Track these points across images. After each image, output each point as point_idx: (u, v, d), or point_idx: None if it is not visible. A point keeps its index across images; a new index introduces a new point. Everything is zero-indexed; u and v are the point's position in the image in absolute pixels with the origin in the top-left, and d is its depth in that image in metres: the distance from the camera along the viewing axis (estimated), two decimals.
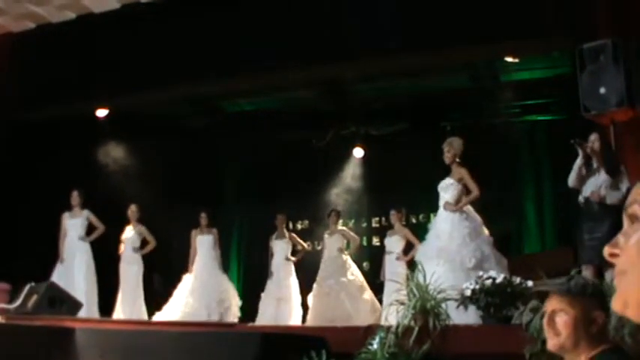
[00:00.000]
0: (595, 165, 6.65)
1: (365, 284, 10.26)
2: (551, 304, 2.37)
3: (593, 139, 6.73)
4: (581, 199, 6.68)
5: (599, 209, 6.47)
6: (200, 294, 10.19)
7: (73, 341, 5.41)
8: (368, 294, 10.10)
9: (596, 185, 6.54)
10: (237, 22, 9.52)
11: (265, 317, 10.37)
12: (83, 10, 10.01)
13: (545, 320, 2.37)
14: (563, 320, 2.30)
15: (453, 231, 7.00)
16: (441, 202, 7.31)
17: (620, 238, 1.15)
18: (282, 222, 11.01)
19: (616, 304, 1.13)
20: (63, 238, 9.93)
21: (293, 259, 10.86)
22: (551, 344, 2.33)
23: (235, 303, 10.46)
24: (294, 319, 10.38)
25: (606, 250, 1.16)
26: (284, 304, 10.54)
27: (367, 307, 9.85)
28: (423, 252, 7.07)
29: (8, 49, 10.62)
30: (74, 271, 9.67)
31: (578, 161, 6.69)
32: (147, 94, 10.65)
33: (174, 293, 10.31)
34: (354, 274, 10.32)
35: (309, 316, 10.21)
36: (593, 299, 2.29)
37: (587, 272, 6.01)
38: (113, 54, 9.98)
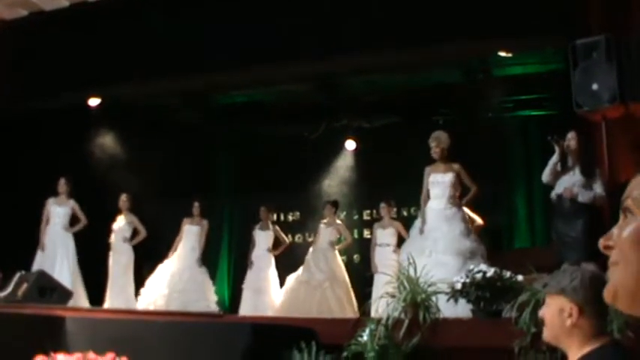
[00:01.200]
0: (570, 163, 6.74)
1: (349, 285, 10.24)
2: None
3: (570, 137, 6.82)
4: (553, 195, 6.77)
5: (570, 207, 6.58)
6: (169, 282, 10.10)
7: (63, 330, 5.41)
8: (350, 297, 10.08)
9: (570, 183, 6.63)
10: (229, 13, 9.48)
11: (245, 308, 10.36)
12: None
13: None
14: (544, 313, 2.41)
15: (467, 228, 7.07)
16: (434, 194, 7.34)
17: (614, 230, 1.18)
18: (265, 213, 10.97)
19: (607, 295, 1.16)
20: (45, 224, 9.87)
21: (274, 252, 10.84)
22: (543, 335, 2.45)
23: (209, 297, 10.36)
24: (273, 311, 10.32)
25: (601, 243, 1.19)
26: (262, 296, 10.50)
27: (345, 310, 9.80)
28: (440, 247, 6.99)
29: (0, 36, 10.56)
30: (57, 261, 9.61)
31: (554, 158, 6.80)
32: (139, 85, 10.60)
33: (148, 280, 10.20)
34: (342, 274, 10.30)
35: (283, 297, 10.16)
36: (573, 293, 2.33)
37: None
38: (106, 43, 9.93)
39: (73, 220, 10.01)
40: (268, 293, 10.56)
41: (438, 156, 7.41)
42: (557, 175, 6.75)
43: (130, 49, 9.86)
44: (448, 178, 7.33)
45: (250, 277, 10.71)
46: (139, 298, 10.07)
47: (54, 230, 9.85)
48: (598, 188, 6.57)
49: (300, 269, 10.30)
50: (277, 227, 11.12)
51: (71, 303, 8.33)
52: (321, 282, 10.07)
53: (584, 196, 6.54)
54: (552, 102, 11.04)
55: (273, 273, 10.72)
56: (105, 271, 10.21)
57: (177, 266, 10.26)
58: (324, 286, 10.04)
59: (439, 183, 7.36)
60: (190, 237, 10.45)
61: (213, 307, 10.21)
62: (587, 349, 2.27)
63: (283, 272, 10.75)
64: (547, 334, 2.40)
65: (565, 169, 6.75)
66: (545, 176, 6.84)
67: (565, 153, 6.79)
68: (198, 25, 9.58)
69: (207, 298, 10.28)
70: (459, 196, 7.45)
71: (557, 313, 2.35)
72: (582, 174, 6.62)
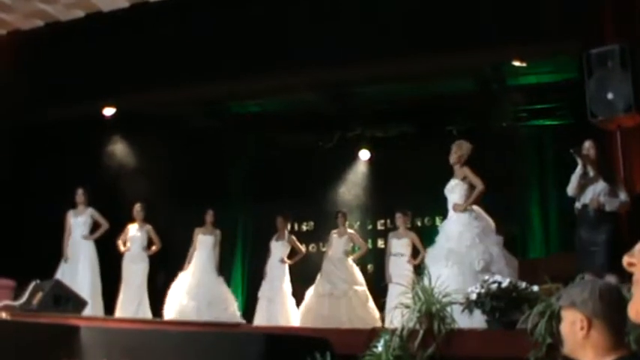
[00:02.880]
0: (592, 173, 6.66)
1: (367, 292, 10.24)
2: None
3: (588, 146, 6.74)
4: (578, 205, 6.69)
5: (595, 216, 6.52)
6: (194, 294, 10.14)
7: (78, 339, 5.41)
8: (371, 302, 10.09)
9: (594, 192, 6.56)
10: (243, 23, 9.53)
11: (258, 317, 10.37)
12: (92, 9, 10.05)
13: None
14: (561, 326, 2.40)
15: (464, 232, 6.89)
16: (449, 205, 7.25)
17: (636, 247, 1.17)
18: (282, 223, 10.95)
19: (630, 313, 1.15)
20: (67, 237, 9.94)
21: (288, 261, 10.80)
22: (562, 348, 2.45)
23: (233, 305, 10.41)
24: (285, 321, 10.29)
25: (625, 260, 1.18)
26: (274, 305, 10.48)
27: (372, 315, 9.81)
28: (431, 254, 7.01)
29: (17, 46, 10.66)
30: (79, 270, 9.69)
31: (578, 170, 6.70)
32: (153, 94, 10.67)
33: (169, 292, 10.27)
34: (361, 280, 10.31)
35: (306, 314, 10.15)
36: (582, 305, 2.32)
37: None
38: (121, 53, 10.00)
39: (94, 228, 10.07)
40: (280, 303, 10.53)
41: (454, 161, 7.32)
42: (582, 187, 6.68)
43: (145, 59, 9.93)
44: (450, 186, 7.27)
45: (265, 286, 10.73)
46: (164, 311, 10.10)
47: (75, 240, 9.92)
48: (622, 195, 6.50)
49: (316, 282, 10.30)
50: (293, 237, 11.11)
51: (89, 313, 8.36)
52: (346, 291, 10.07)
53: (611, 205, 6.48)
54: (566, 111, 11.00)
55: (286, 283, 10.70)
56: (114, 280, 10.22)
57: (197, 278, 10.30)
58: (349, 294, 10.04)
59: (447, 191, 7.30)
60: (204, 247, 10.49)
61: (236, 315, 10.23)
62: None
63: (298, 282, 10.76)
64: (564, 347, 2.40)
65: (587, 179, 6.67)
66: (572, 190, 6.74)
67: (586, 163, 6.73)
68: (212, 34, 9.62)
69: (230, 307, 10.32)
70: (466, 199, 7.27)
71: (569, 326, 2.34)
72: (606, 181, 6.55)
